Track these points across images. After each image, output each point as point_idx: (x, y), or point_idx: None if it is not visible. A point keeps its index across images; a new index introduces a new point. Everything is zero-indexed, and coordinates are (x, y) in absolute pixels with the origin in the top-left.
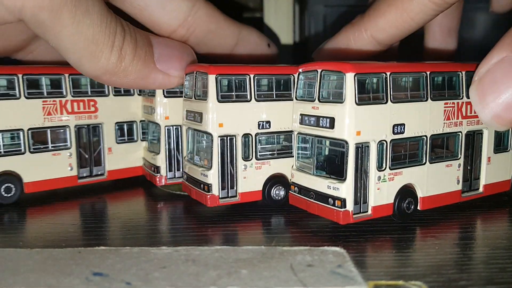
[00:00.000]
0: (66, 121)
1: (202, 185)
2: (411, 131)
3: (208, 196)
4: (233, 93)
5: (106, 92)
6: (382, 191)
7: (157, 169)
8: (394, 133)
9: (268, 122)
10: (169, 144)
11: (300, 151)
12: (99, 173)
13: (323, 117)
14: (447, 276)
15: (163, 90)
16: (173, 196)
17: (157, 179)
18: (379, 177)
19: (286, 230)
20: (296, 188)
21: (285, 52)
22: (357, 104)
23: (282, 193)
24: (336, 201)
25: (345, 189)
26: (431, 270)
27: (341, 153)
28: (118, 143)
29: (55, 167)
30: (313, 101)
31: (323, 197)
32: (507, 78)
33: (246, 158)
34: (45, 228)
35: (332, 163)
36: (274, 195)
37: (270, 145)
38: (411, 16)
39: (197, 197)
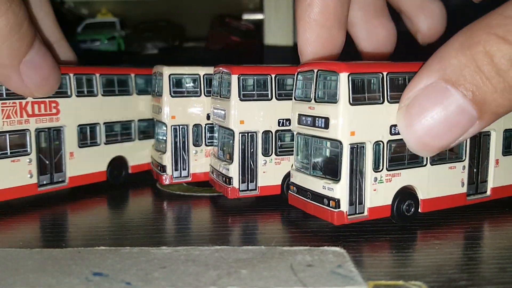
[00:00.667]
0: (26, 124)
1: (224, 178)
2: None
3: (229, 188)
4: (255, 92)
5: (69, 93)
6: (378, 192)
7: (163, 168)
8: (391, 133)
9: (288, 120)
10: (175, 143)
11: (298, 151)
12: (60, 179)
13: (319, 117)
14: (447, 276)
15: (170, 90)
16: (174, 196)
17: (163, 178)
18: (376, 178)
19: (286, 230)
20: (294, 188)
21: (285, 52)
22: (351, 104)
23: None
24: (330, 201)
25: (339, 190)
26: (431, 270)
27: (336, 154)
28: (80, 147)
29: (14, 174)
30: (310, 101)
31: (318, 198)
32: (435, 106)
33: (266, 153)
34: (45, 228)
35: (327, 164)
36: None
37: (289, 142)
38: None
39: (220, 189)
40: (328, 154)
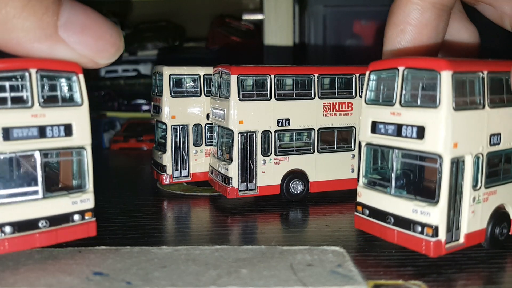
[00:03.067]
0: None
1: (223, 178)
2: (507, 142)
3: (228, 188)
4: (254, 92)
5: None
6: (476, 215)
7: (163, 167)
8: (491, 144)
9: (287, 120)
10: (175, 143)
11: (367, 165)
12: None
13: (408, 125)
14: (446, 275)
15: (170, 90)
16: (174, 196)
17: (163, 178)
18: (474, 198)
19: (286, 230)
20: (365, 209)
21: (285, 52)
22: (455, 110)
23: (299, 187)
24: (425, 228)
25: (438, 214)
26: (430, 269)
27: (433, 170)
28: None
29: None
30: (393, 105)
31: (406, 223)
32: None
33: (265, 153)
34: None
35: (419, 181)
36: (292, 190)
37: (288, 142)
38: None
39: (219, 189)
40: (420, 170)
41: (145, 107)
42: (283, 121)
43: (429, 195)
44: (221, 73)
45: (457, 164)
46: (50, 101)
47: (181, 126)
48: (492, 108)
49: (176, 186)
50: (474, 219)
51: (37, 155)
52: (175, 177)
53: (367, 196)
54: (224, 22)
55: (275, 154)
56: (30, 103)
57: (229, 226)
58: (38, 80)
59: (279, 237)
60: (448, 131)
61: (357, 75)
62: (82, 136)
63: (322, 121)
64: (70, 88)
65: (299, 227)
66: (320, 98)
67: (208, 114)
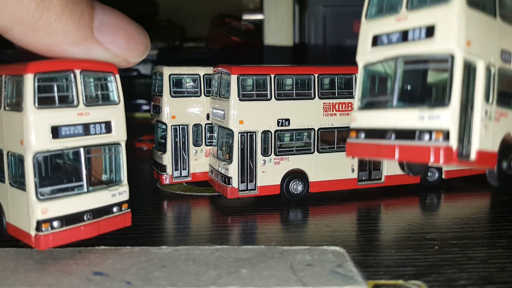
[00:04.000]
0: None
1: (223, 178)
2: None
3: (228, 188)
4: (254, 92)
5: None
6: (488, 132)
7: (163, 167)
8: (502, 59)
9: (287, 120)
10: (175, 143)
11: (366, 88)
12: None
13: (416, 28)
14: (446, 275)
15: (170, 90)
16: (174, 196)
17: (163, 178)
18: (486, 112)
19: (286, 230)
20: (360, 133)
21: (285, 52)
22: (468, 6)
23: (299, 187)
24: (434, 133)
25: (450, 116)
26: (430, 269)
27: (440, 76)
28: None
29: None
30: (398, 12)
31: (410, 134)
32: None
33: (265, 153)
34: None
35: (424, 91)
36: (292, 190)
37: (288, 142)
38: None
39: (219, 189)
40: (424, 80)
41: (145, 107)
42: (283, 121)
43: (438, 101)
44: (221, 73)
45: (469, 70)
46: (92, 100)
47: (181, 126)
48: (504, 22)
49: (176, 186)
50: (486, 136)
51: (82, 151)
52: (175, 177)
53: (363, 119)
54: (224, 22)
55: (275, 154)
56: (75, 102)
57: (229, 226)
58: (82, 80)
59: (279, 237)
60: (462, 25)
61: (357, 75)
62: (119, 132)
63: (322, 121)
64: (108, 87)
65: (299, 227)
66: (320, 98)
67: (208, 114)
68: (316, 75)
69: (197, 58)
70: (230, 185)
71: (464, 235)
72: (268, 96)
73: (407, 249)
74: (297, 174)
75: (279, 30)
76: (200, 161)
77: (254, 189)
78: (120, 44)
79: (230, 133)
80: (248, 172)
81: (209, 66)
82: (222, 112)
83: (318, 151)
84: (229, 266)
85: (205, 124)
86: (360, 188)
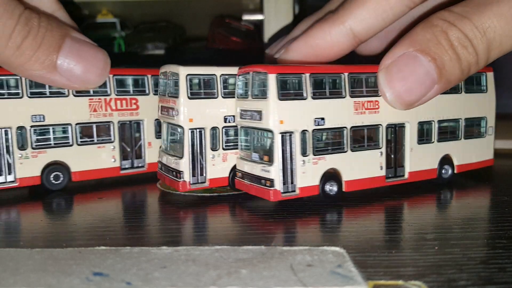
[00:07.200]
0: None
1: (263, 181)
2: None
3: (271, 191)
4: (292, 91)
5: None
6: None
7: (179, 174)
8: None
9: (323, 118)
10: (192, 147)
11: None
12: (140, 165)
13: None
14: (446, 276)
15: (188, 91)
16: (174, 196)
17: (180, 185)
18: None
19: (285, 230)
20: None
21: None
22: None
23: (335, 188)
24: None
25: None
26: (430, 270)
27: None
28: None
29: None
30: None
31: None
32: (408, 67)
33: (304, 153)
34: (45, 228)
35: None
36: (328, 191)
37: (325, 141)
38: (390, 5)
39: (257, 193)
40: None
41: None
42: (320, 120)
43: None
44: (252, 73)
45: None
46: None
47: (198, 130)
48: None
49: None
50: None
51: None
52: (192, 183)
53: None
54: (224, 22)
55: (314, 154)
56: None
57: (229, 226)
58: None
59: (279, 237)
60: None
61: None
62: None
63: (353, 119)
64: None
65: (299, 227)
66: (351, 96)
67: (225, 117)
68: (346, 74)
69: (197, 58)
70: (273, 188)
71: (464, 236)
72: (304, 95)
73: (407, 250)
74: (332, 174)
75: (279, 31)
76: (218, 166)
77: (295, 191)
78: (77, 77)
79: (270, 134)
80: (290, 173)
81: (209, 66)
82: (256, 113)
83: (351, 150)
84: (229, 267)
85: (223, 127)
86: (387, 185)
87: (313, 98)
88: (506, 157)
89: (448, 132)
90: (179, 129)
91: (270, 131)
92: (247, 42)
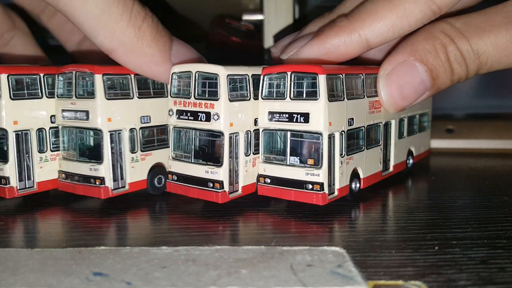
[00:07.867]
0: None
1: (310, 185)
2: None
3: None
4: (334, 92)
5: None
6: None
7: (220, 184)
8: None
9: (353, 119)
10: (230, 153)
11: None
12: None
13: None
14: (446, 276)
15: (228, 94)
16: (173, 196)
17: (217, 196)
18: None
19: (286, 230)
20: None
21: None
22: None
23: (358, 185)
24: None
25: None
26: (430, 270)
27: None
28: None
29: None
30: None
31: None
32: (407, 75)
33: (341, 154)
34: (45, 228)
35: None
36: (354, 188)
37: (353, 141)
38: (409, 22)
39: (296, 198)
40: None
41: None
42: (350, 120)
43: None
44: (296, 73)
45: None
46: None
47: (234, 134)
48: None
49: None
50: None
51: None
52: (231, 193)
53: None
54: (224, 22)
55: (347, 154)
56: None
57: (229, 226)
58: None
59: (279, 237)
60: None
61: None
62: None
63: (369, 118)
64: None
65: (299, 227)
66: (367, 96)
67: (256, 119)
68: (364, 75)
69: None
70: (322, 191)
71: (464, 235)
72: (341, 96)
73: (407, 249)
74: (355, 173)
75: (279, 31)
76: (250, 171)
77: (334, 192)
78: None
79: (316, 136)
80: (333, 174)
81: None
82: (301, 116)
83: (366, 148)
84: (229, 267)
85: (253, 131)
86: (383, 178)
87: (348, 99)
88: (506, 157)
89: (412, 127)
90: (311, 136)
91: (318, 133)
92: (247, 42)
